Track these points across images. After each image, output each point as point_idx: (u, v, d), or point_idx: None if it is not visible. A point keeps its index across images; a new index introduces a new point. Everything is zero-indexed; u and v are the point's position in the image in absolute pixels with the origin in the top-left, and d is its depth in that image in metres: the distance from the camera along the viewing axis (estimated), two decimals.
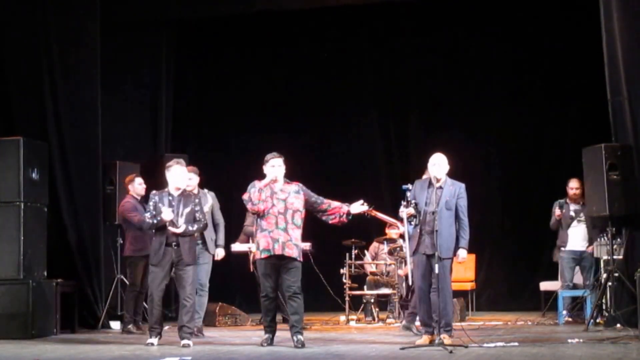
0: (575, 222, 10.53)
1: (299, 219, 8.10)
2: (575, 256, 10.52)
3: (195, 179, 9.20)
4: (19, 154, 9.31)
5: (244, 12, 12.32)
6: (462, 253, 7.89)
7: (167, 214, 8.01)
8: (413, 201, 7.79)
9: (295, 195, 8.14)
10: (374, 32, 13.66)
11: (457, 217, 7.89)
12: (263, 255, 8.04)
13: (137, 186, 9.95)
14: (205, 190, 9.50)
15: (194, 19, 12.75)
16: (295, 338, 7.94)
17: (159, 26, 12.48)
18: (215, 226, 9.47)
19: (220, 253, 9.52)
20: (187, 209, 8.14)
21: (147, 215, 8.18)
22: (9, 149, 9.39)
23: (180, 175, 8.22)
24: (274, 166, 8.18)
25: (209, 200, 9.44)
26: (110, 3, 11.06)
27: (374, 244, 11.56)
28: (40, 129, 10.30)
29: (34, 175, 9.45)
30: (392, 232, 11.34)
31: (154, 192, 8.36)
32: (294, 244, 8.02)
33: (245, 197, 8.15)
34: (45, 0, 10.60)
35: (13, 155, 9.34)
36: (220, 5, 12.01)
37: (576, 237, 10.52)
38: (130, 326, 9.70)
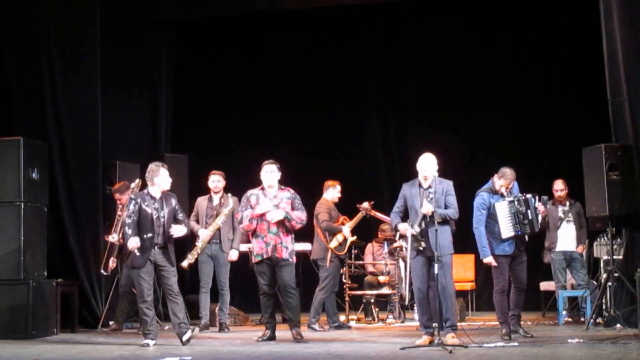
0: (564, 223, 10.53)
1: (287, 223, 8.43)
2: (566, 257, 10.52)
3: (222, 182, 10.01)
4: (19, 154, 9.31)
5: (244, 12, 12.32)
6: (426, 205, 7.73)
7: (132, 243, 8.05)
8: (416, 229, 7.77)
9: (286, 201, 8.49)
10: (374, 32, 13.67)
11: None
12: (256, 260, 8.46)
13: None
14: (229, 194, 10.00)
15: (194, 19, 12.75)
16: (293, 331, 8.40)
17: (159, 26, 12.48)
18: (234, 229, 9.94)
19: (233, 255, 9.96)
20: (168, 209, 8.20)
21: (131, 219, 8.12)
22: (9, 149, 9.40)
23: (168, 178, 8.32)
24: (267, 172, 8.54)
25: (230, 203, 9.89)
26: (110, 3, 11.07)
27: (370, 245, 11.55)
28: (40, 129, 10.31)
29: (34, 175, 9.46)
30: (387, 229, 11.34)
31: (133, 194, 8.45)
32: (284, 247, 8.41)
33: (238, 217, 8.72)
34: (45, 0, 10.61)
35: (13, 155, 9.34)
36: (220, 5, 12.01)
37: (566, 238, 10.52)
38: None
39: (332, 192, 10.17)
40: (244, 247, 10.61)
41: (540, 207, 8.44)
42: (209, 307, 10.02)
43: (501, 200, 8.36)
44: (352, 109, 13.90)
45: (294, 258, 8.57)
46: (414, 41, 13.53)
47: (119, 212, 9.72)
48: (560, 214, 10.50)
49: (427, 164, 7.91)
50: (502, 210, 8.30)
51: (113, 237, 9.78)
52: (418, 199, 7.83)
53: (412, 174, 9.18)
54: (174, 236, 8.17)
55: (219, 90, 13.80)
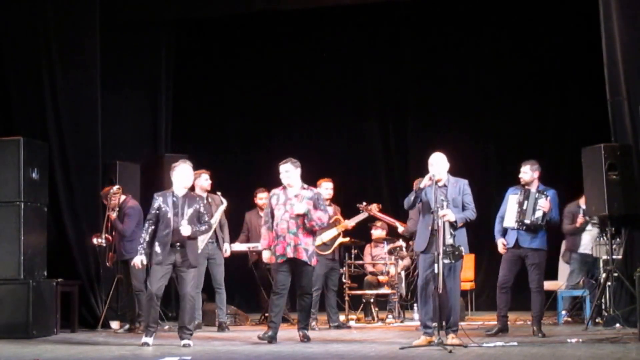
0: (589, 226, 10.46)
1: (306, 222, 8.33)
2: (589, 259, 10.48)
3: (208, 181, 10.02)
4: (19, 154, 9.32)
5: (244, 12, 12.33)
6: (449, 214, 7.63)
7: (136, 260, 8.05)
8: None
9: (307, 202, 8.37)
10: (373, 32, 13.67)
11: (464, 210, 7.89)
12: (279, 260, 8.33)
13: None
14: (218, 193, 10.03)
15: (193, 19, 12.75)
16: (300, 333, 8.41)
17: (159, 26, 12.49)
18: (221, 226, 10.05)
19: (228, 249, 10.06)
20: (191, 210, 8.11)
21: (151, 214, 8.13)
22: (9, 149, 9.40)
23: (185, 174, 8.20)
24: (282, 172, 8.44)
25: (224, 201, 10.02)
26: (110, 3, 11.08)
27: (368, 247, 11.47)
28: (40, 129, 10.32)
29: (34, 175, 9.46)
30: (376, 233, 11.31)
31: (157, 193, 8.34)
32: (304, 248, 8.31)
33: (263, 231, 8.66)
34: (45, 0, 10.62)
35: (13, 155, 9.35)
36: (220, 5, 12.01)
37: (592, 240, 10.45)
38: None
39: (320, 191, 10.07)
40: (242, 247, 10.65)
41: (544, 203, 8.52)
42: (201, 306, 10.05)
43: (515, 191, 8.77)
44: (351, 109, 13.91)
45: (314, 261, 8.42)
46: (413, 41, 13.54)
47: (108, 213, 9.77)
48: (587, 217, 10.34)
49: (434, 166, 7.85)
50: (512, 201, 8.75)
51: (98, 240, 9.83)
52: (432, 196, 7.76)
53: (411, 174, 9.19)
54: (183, 234, 7.99)
55: (219, 90, 13.81)
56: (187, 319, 8.08)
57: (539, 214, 8.57)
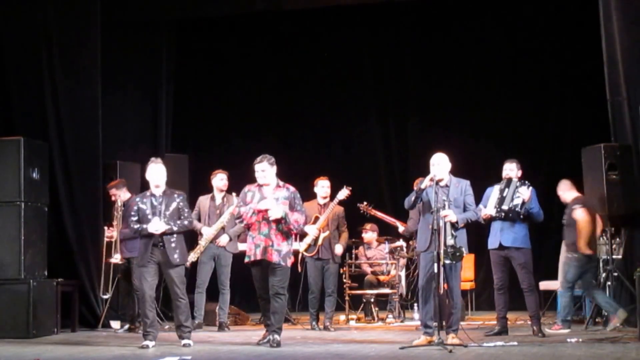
0: None
1: (282, 225, 8.05)
2: None
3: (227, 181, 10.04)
4: (19, 154, 9.33)
5: (244, 12, 12.33)
6: (451, 214, 7.63)
7: (153, 226, 7.97)
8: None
9: (282, 201, 8.07)
10: (374, 32, 13.68)
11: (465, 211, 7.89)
12: (246, 260, 8.17)
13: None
14: (233, 194, 9.92)
15: (194, 19, 12.75)
16: (271, 337, 7.99)
17: (159, 26, 12.48)
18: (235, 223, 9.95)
19: (224, 239, 9.95)
20: (170, 208, 8.11)
21: (132, 219, 8.15)
22: (9, 149, 9.42)
23: (154, 174, 8.17)
24: (258, 171, 8.18)
25: (235, 202, 9.73)
26: (111, 3, 11.09)
27: (361, 248, 11.40)
28: (40, 129, 10.33)
29: (35, 175, 9.48)
30: (367, 236, 11.29)
31: (136, 195, 8.37)
32: (276, 250, 7.98)
33: (235, 213, 8.46)
34: (45, 0, 10.63)
35: (13, 155, 9.36)
36: (220, 5, 12.01)
37: None
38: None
39: (316, 190, 10.06)
40: (243, 247, 10.63)
41: (524, 191, 8.63)
42: (204, 307, 10.04)
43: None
44: (352, 109, 13.91)
45: (289, 261, 8.10)
46: (413, 41, 13.55)
47: (117, 206, 9.74)
48: None
49: (436, 166, 7.84)
50: (494, 191, 8.85)
51: (113, 260, 9.76)
52: (433, 196, 7.75)
53: (412, 173, 9.19)
54: (151, 231, 7.95)
55: (219, 89, 13.81)
56: (183, 317, 8.08)
57: (517, 201, 8.67)
